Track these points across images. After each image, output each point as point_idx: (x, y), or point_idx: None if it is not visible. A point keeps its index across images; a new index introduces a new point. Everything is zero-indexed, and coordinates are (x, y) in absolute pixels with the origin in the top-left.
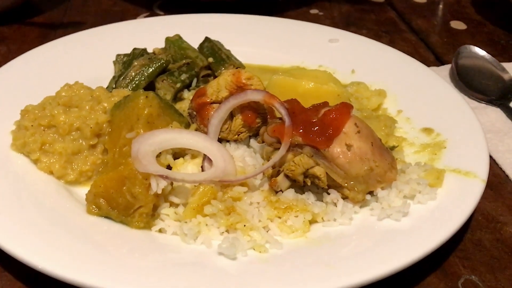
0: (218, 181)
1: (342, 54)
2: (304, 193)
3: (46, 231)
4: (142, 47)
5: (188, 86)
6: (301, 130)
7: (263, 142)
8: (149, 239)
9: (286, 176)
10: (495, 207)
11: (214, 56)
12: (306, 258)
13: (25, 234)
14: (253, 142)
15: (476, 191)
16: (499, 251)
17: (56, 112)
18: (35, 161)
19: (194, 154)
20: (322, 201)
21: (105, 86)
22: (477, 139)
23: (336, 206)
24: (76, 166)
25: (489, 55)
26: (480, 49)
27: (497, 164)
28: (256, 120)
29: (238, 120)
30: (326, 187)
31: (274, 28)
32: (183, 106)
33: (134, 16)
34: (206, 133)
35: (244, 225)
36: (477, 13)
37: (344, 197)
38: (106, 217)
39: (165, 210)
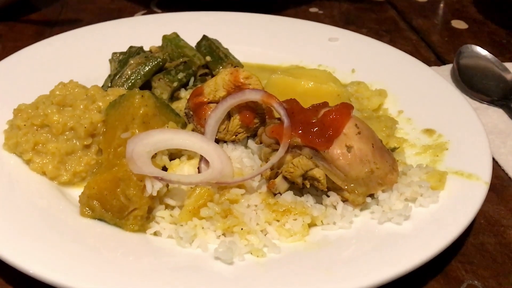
0: (214, 183)
1: (342, 53)
2: (303, 195)
3: (38, 234)
4: (139, 45)
5: (185, 85)
6: (300, 131)
7: (261, 143)
8: (143, 242)
9: (285, 178)
10: (498, 210)
11: (212, 54)
12: (304, 263)
13: (16, 237)
14: (251, 143)
15: (479, 194)
16: (502, 256)
17: (49, 111)
18: (28, 162)
19: (191, 155)
20: (321, 203)
21: (100, 84)
22: (479, 141)
23: (336, 209)
24: (69, 167)
25: (491, 55)
26: (482, 49)
27: (499, 166)
28: (254, 120)
29: (236, 120)
30: (326, 190)
31: (273, 27)
32: (180, 106)
33: (131, 14)
34: (203, 133)
35: (242, 229)
36: (478, 12)
37: (344, 200)
38: (100, 219)
39: (160, 212)
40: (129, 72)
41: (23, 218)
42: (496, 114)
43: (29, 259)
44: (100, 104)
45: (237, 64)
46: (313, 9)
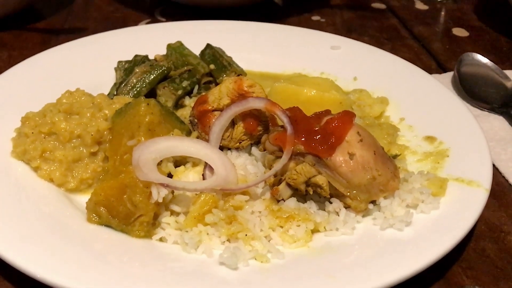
0: (219, 190)
1: (344, 61)
2: (306, 202)
3: (45, 240)
4: (144, 53)
5: (189, 93)
6: (303, 139)
7: (264, 150)
8: (149, 248)
9: (288, 185)
10: (498, 216)
11: (216, 63)
12: (308, 268)
13: (24, 242)
14: (254, 150)
15: (480, 200)
16: (502, 261)
17: (56, 119)
18: (36, 169)
19: (195, 162)
20: (324, 210)
21: (106, 92)
22: (480, 148)
23: (339, 216)
24: (76, 174)
25: (492, 63)
26: (483, 57)
27: (500, 172)
28: (257, 128)
29: (240, 127)
30: (329, 196)
31: (275, 35)
32: (185, 113)
33: (135, 22)
34: (207, 140)
35: (246, 235)
36: (479, 20)
37: (347, 206)
38: (107, 225)
39: (166, 218)
40: (135, 80)
41: (31, 223)
42: (496, 121)
43: (37, 264)
44: (107, 112)
45: (240, 72)
46: (315, 17)
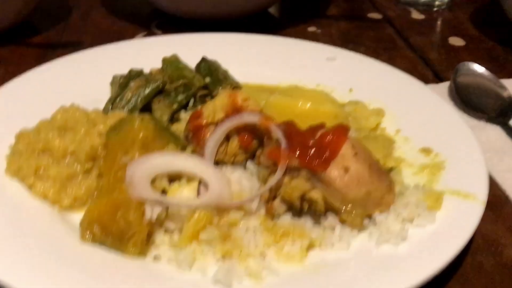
0: (213, 206)
1: (340, 72)
2: (301, 217)
3: (38, 258)
4: (140, 67)
5: (185, 107)
6: (297, 153)
7: (259, 164)
8: (143, 266)
9: (283, 200)
10: (496, 229)
11: (211, 76)
12: (303, 286)
13: (17, 261)
14: (249, 164)
15: (476, 213)
16: (500, 275)
17: (50, 136)
18: (30, 187)
19: (190, 178)
20: (319, 224)
21: (102, 107)
22: (476, 160)
23: (334, 231)
24: (70, 191)
25: (488, 72)
26: (479, 66)
27: (496, 184)
28: (252, 142)
29: (234, 142)
30: (323, 212)
31: (272, 47)
32: (180, 127)
33: (132, 35)
34: (202, 155)
35: (240, 251)
36: (475, 29)
37: (342, 221)
38: (101, 243)
39: (160, 236)
40: (130, 95)
41: (24, 242)
42: (493, 131)
43: (29, 284)
44: (101, 127)
45: (236, 85)
46: (311, 28)
